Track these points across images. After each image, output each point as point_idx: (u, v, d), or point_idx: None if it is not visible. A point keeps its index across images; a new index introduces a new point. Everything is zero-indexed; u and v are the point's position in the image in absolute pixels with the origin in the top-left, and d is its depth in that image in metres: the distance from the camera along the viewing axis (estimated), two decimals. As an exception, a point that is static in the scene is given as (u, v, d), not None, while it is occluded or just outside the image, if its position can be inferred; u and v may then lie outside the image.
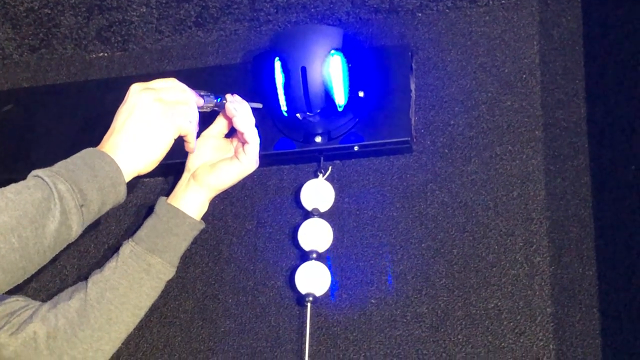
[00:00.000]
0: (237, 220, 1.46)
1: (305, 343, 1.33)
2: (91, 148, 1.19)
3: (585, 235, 1.30)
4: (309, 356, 1.33)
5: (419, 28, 1.48)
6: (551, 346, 1.27)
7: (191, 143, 1.26)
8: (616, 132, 1.32)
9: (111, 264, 1.34)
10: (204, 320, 1.42)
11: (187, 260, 1.45)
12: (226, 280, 1.43)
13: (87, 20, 1.64)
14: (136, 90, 1.23)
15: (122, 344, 1.41)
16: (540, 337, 1.27)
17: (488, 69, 1.42)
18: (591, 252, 1.28)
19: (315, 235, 1.37)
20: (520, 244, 1.32)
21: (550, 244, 1.31)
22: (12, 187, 1.11)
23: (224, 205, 1.47)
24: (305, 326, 1.34)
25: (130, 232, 1.40)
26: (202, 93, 1.30)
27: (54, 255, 1.13)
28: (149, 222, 1.37)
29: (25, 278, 1.09)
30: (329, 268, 1.36)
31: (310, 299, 1.34)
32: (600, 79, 1.37)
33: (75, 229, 1.13)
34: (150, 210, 1.39)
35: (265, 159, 1.45)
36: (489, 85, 1.42)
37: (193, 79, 1.53)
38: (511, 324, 1.29)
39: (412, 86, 1.43)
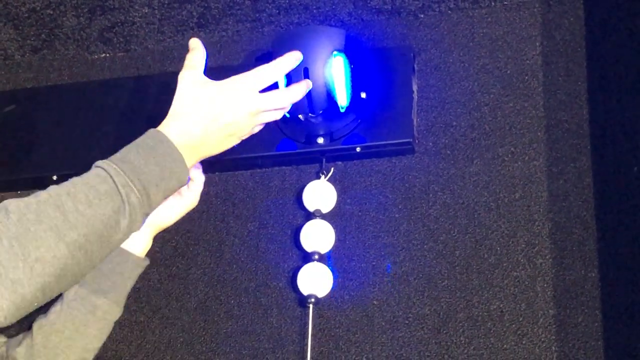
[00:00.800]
0: (239, 221, 1.46)
1: (307, 344, 1.33)
2: (174, 149, 1.11)
3: (588, 236, 1.30)
4: (311, 358, 1.33)
5: (421, 29, 1.48)
6: (553, 348, 1.26)
7: None
8: (618, 134, 1.32)
9: (56, 308, 1.31)
10: (206, 322, 1.42)
11: (189, 261, 1.45)
12: (228, 282, 1.43)
13: (89, 21, 1.64)
14: (250, 112, 1.17)
15: (124, 344, 1.41)
16: (542, 339, 1.27)
17: (490, 71, 1.42)
18: (593, 254, 1.28)
19: (318, 236, 1.37)
20: (523, 246, 1.32)
21: (553, 245, 1.31)
22: (84, 195, 1.04)
23: (226, 206, 1.47)
24: (308, 327, 1.34)
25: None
26: None
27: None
28: None
29: None
30: (331, 269, 1.36)
31: (313, 300, 1.34)
32: (603, 80, 1.36)
33: (134, 232, 1.09)
34: None
35: (267, 160, 1.45)
36: (491, 87, 1.41)
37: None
38: (513, 325, 1.29)
39: (414, 87, 1.43)
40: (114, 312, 1.33)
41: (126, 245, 1.33)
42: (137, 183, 1.07)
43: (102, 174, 1.06)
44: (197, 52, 1.21)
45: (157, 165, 1.09)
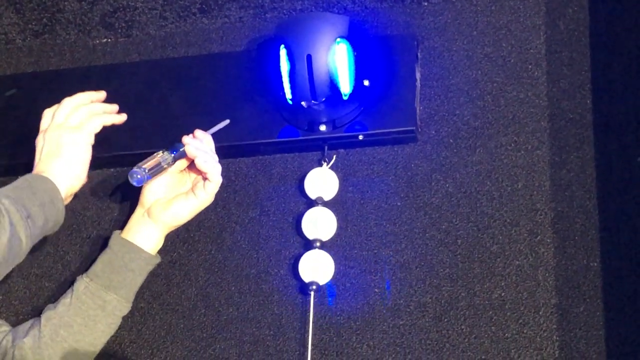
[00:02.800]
0: (240, 208, 1.45)
1: (308, 332, 1.33)
2: (27, 174, 1.26)
3: (590, 226, 1.30)
4: (312, 345, 1.33)
5: (425, 17, 1.47)
6: (555, 337, 1.27)
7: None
8: (621, 123, 1.32)
9: (65, 300, 1.33)
10: (207, 308, 1.42)
11: (190, 247, 1.45)
12: (229, 268, 1.43)
13: (91, 6, 1.63)
14: (49, 129, 1.33)
15: (124, 330, 1.41)
16: (543, 328, 1.27)
17: (494, 59, 1.42)
18: (595, 244, 1.28)
19: (319, 224, 1.37)
20: (525, 235, 1.32)
21: (555, 235, 1.31)
22: None
23: (228, 193, 1.46)
24: (309, 315, 1.34)
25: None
26: (158, 155, 1.31)
27: (7, 270, 1.15)
28: (104, 257, 1.35)
29: None
30: (332, 257, 1.36)
31: (314, 287, 1.34)
32: (606, 69, 1.36)
33: (25, 241, 1.15)
34: (104, 244, 1.39)
35: (269, 147, 1.45)
36: (494, 76, 1.41)
37: (197, 67, 1.53)
38: (515, 314, 1.29)
39: (418, 75, 1.43)
40: (123, 308, 1.34)
41: (138, 242, 1.34)
42: (4, 192, 1.18)
43: None
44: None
45: (24, 184, 1.22)
